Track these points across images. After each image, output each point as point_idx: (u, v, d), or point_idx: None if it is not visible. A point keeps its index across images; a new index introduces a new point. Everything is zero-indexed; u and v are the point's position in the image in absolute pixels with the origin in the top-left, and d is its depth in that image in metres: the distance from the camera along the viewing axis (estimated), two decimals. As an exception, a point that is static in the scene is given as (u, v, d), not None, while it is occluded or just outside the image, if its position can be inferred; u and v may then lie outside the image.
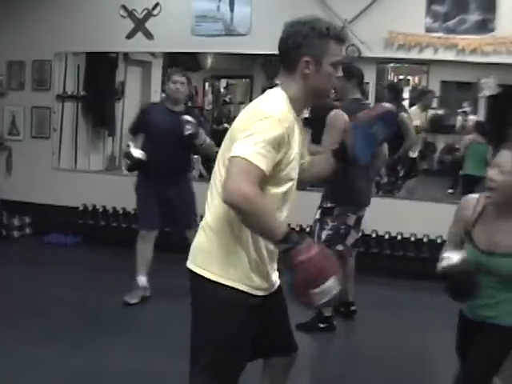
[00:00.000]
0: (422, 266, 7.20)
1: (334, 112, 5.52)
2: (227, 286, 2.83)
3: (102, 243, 8.14)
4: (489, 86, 9.42)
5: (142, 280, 6.42)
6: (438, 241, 7.31)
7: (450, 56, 7.34)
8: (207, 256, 2.89)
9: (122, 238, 8.16)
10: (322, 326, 5.79)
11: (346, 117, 5.24)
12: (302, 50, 2.80)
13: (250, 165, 2.60)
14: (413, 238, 7.63)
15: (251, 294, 2.88)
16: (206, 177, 8.84)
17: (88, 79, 9.40)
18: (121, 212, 8.53)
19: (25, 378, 4.59)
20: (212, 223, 2.88)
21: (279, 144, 2.68)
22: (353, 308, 6.20)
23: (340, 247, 5.68)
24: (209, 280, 2.85)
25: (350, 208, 5.68)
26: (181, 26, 8.09)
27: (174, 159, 6.24)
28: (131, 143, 6.30)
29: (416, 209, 7.68)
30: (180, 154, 6.30)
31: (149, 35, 8.25)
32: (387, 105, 3.38)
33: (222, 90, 13.36)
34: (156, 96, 10.58)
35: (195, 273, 2.90)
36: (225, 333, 2.87)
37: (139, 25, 8.27)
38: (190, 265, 2.96)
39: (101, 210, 8.61)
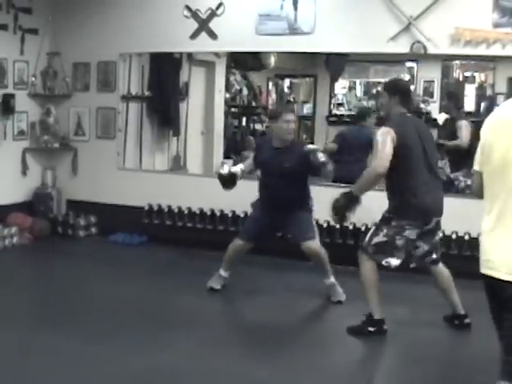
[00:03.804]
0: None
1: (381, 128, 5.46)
2: None
3: (167, 243, 8.18)
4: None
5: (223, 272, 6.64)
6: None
7: (518, 52, 7.19)
8: None
9: (188, 238, 8.23)
10: (371, 329, 5.51)
11: (392, 132, 5.27)
12: None
13: None
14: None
15: None
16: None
17: (152, 80, 9.50)
18: (186, 212, 8.50)
19: (87, 375, 4.62)
20: None
21: None
22: (467, 321, 5.75)
23: (391, 260, 5.49)
24: None
25: (407, 222, 5.44)
26: (245, 25, 8.07)
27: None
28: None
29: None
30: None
31: (213, 35, 8.25)
32: None
33: (285, 89, 13.34)
34: (220, 96, 10.62)
35: None
36: None
37: (203, 25, 8.27)
38: None
39: (166, 209, 8.62)
